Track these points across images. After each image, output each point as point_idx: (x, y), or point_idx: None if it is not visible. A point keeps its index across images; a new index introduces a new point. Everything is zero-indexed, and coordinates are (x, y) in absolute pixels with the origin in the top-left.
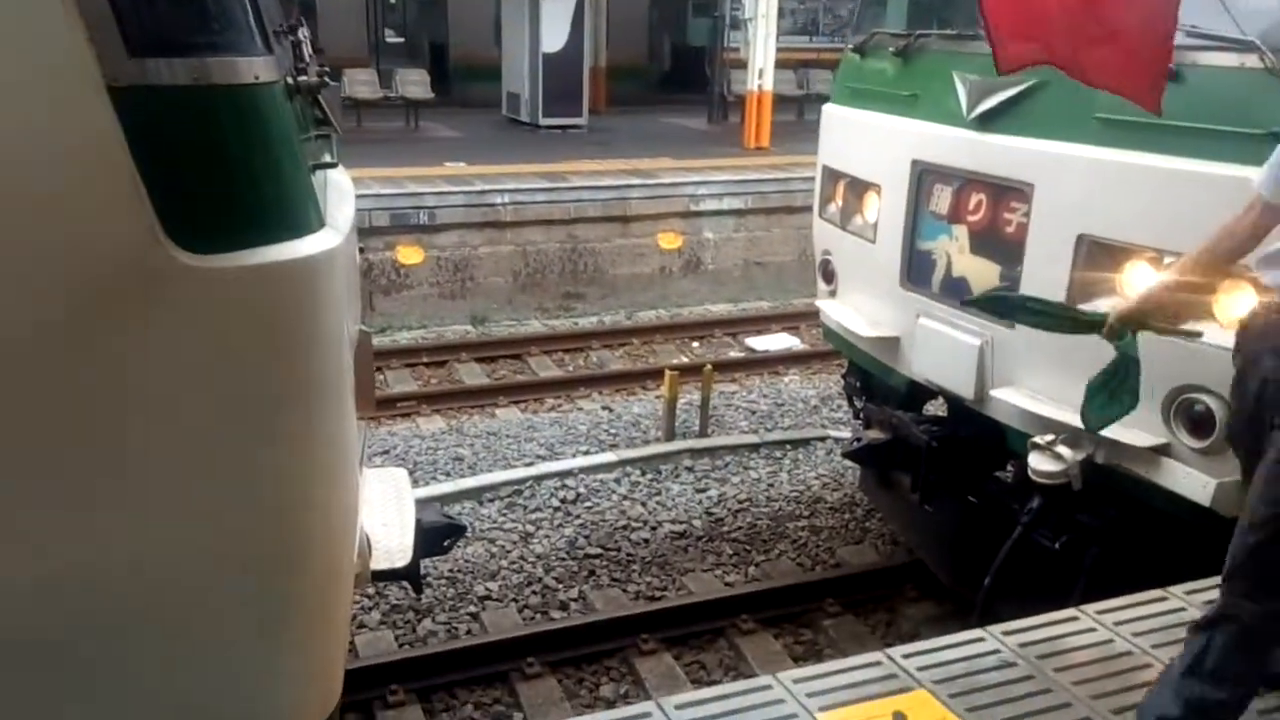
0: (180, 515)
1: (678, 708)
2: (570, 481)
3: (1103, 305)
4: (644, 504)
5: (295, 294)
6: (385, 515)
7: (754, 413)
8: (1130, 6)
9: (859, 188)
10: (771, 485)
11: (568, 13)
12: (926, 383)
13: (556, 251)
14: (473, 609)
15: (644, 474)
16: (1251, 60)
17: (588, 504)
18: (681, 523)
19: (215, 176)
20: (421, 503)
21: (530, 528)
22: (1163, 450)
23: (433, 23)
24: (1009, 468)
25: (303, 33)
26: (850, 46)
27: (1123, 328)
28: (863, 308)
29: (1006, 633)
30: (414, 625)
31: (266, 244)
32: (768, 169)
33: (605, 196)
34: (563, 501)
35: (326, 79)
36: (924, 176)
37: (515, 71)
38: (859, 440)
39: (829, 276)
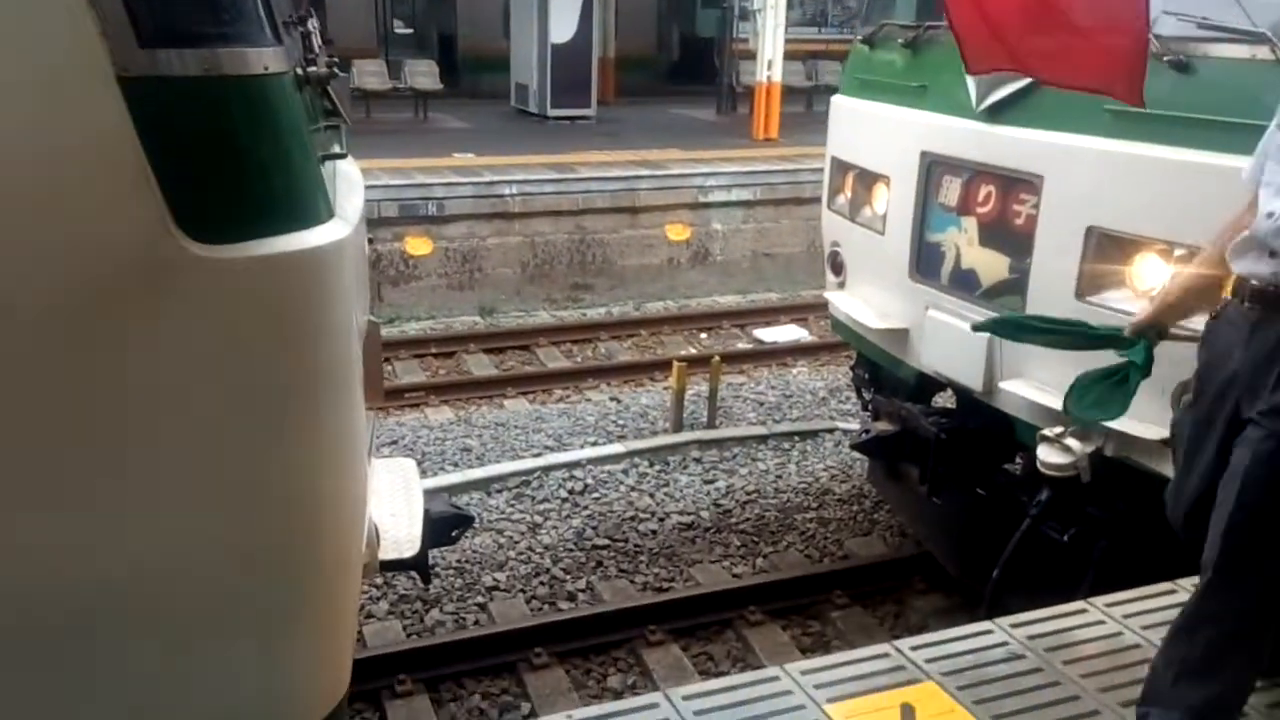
0: (188, 505)
1: (685, 698)
2: (578, 472)
3: (1109, 320)
4: (652, 495)
5: (304, 284)
6: (393, 505)
7: (762, 404)
8: (1095, 2)
9: (868, 179)
10: (779, 477)
11: (576, 4)
12: (935, 375)
13: (565, 242)
14: (480, 599)
15: (652, 465)
16: (1263, 52)
17: (595, 495)
18: (689, 514)
19: (225, 167)
20: (430, 493)
21: (538, 518)
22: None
23: (441, 14)
24: (1018, 460)
25: (312, 23)
26: (859, 38)
27: (1138, 338)
28: (871, 299)
29: (1015, 625)
30: (422, 615)
31: (276, 234)
32: (776, 160)
33: (614, 187)
34: (570, 492)
35: (336, 70)
36: (933, 168)
37: (524, 62)
38: (867, 432)
39: (838, 268)
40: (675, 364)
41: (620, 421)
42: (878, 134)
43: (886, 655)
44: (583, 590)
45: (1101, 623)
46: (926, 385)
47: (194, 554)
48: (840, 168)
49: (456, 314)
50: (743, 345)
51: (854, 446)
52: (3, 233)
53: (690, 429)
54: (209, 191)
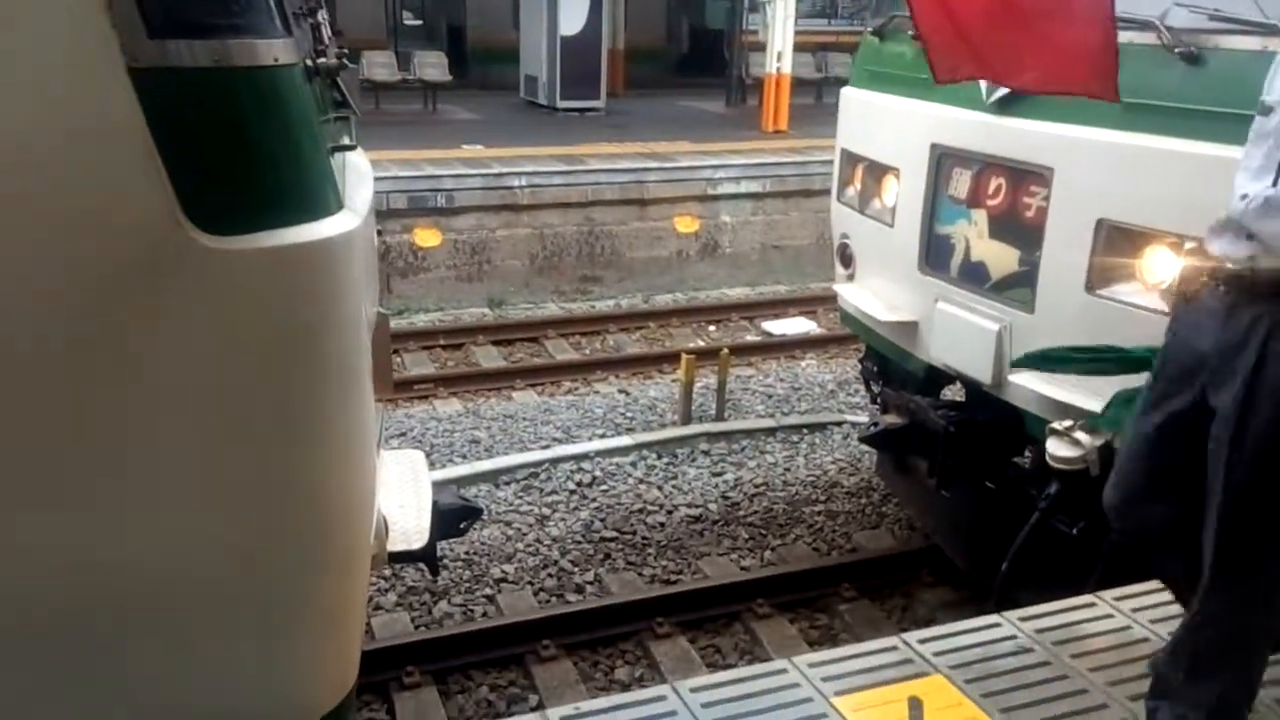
0: (197, 497)
1: (693, 690)
2: (586, 465)
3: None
4: (660, 488)
5: (314, 276)
6: (402, 497)
7: (770, 397)
8: (1058, 4)
9: (878, 171)
10: (788, 470)
11: None
12: (944, 367)
13: (573, 235)
14: (489, 591)
15: (660, 458)
16: (1274, 44)
17: (604, 487)
18: (697, 507)
19: (235, 158)
20: (438, 485)
21: (546, 510)
22: None
23: (451, 5)
24: (1027, 453)
25: (321, 15)
26: (869, 30)
27: None
28: (881, 292)
29: (1023, 618)
30: (430, 607)
31: (285, 226)
32: (786, 152)
33: (623, 180)
34: (579, 485)
35: (345, 61)
36: (943, 160)
37: (533, 54)
38: (876, 425)
39: (847, 260)
40: (684, 356)
41: (628, 414)
42: (888, 126)
43: (894, 648)
44: (591, 582)
45: (1110, 616)
46: (935, 378)
47: (203, 545)
48: (850, 160)
49: (465, 306)
50: (751, 338)
51: (862, 439)
52: (12, 223)
53: (698, 421)
54: (218, 182)
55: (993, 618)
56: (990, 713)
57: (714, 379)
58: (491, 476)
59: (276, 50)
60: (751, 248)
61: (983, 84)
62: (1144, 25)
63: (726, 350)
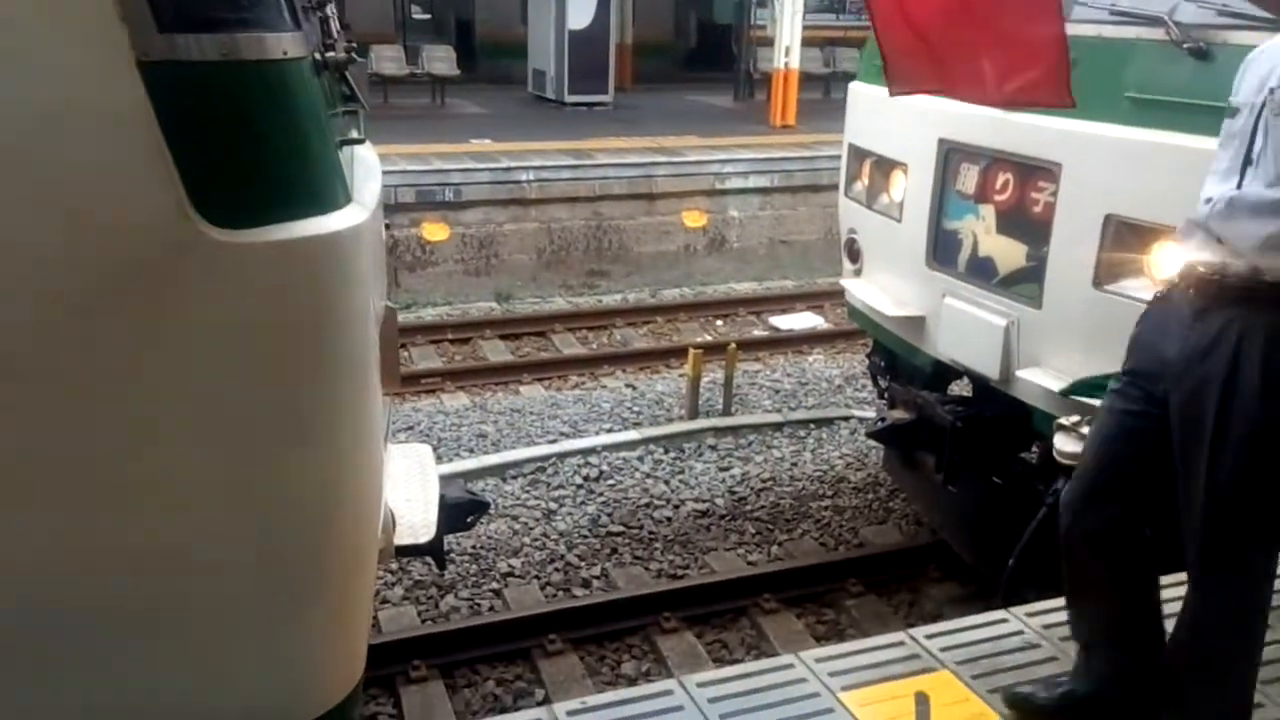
0: (204, 491)
1: (700, 685)
2: (593, 459)
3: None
4: (667, 482)
5: (322, 269)
6: (409, 491)
7: (778, 392)
8: (1008, 12)
9: (885, 166)
10: (795, 464)
11: None
12: (952, 363)
13: (581, 229)
14: (495, 585)
15: (667, 452)
16: None
17: (610, 482)
18: (704, 501)
19: (243, 152)
20: (445, 479)
21: (553, 505)
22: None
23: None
24: (1034, 449)
25: (330, 8)
26: None
27: None
28: (888, 287)
29: (1030, 614)
30: (437, 601)
31: (294, 219)
32: (793, 147)
33: (630, 174)
34: (585, 479)
35: (354, 55)
36: (951, 155)
37: (541, 48)
38: (883, 420)
39: (854, 255)
40: (691, 351)
41: (635, 408)
42: (895, 121)
43: (901, 644)
44: (597, 577)
45: None
46: (943, 373)
47: (209, 539)
48: (858, 155)
49: (473, 300)
50: (759, 332)
51: (869, 434)
52: (21, 217)
53: (706, 416)
54: (227, 176)
55: (1000, 613)
56: (997, 708)
57: (721, 374)
58: (498, 471)
59: (285, 44)
60: (759, 242)
61: None
62: (1152, 21)
63: (734, 345)
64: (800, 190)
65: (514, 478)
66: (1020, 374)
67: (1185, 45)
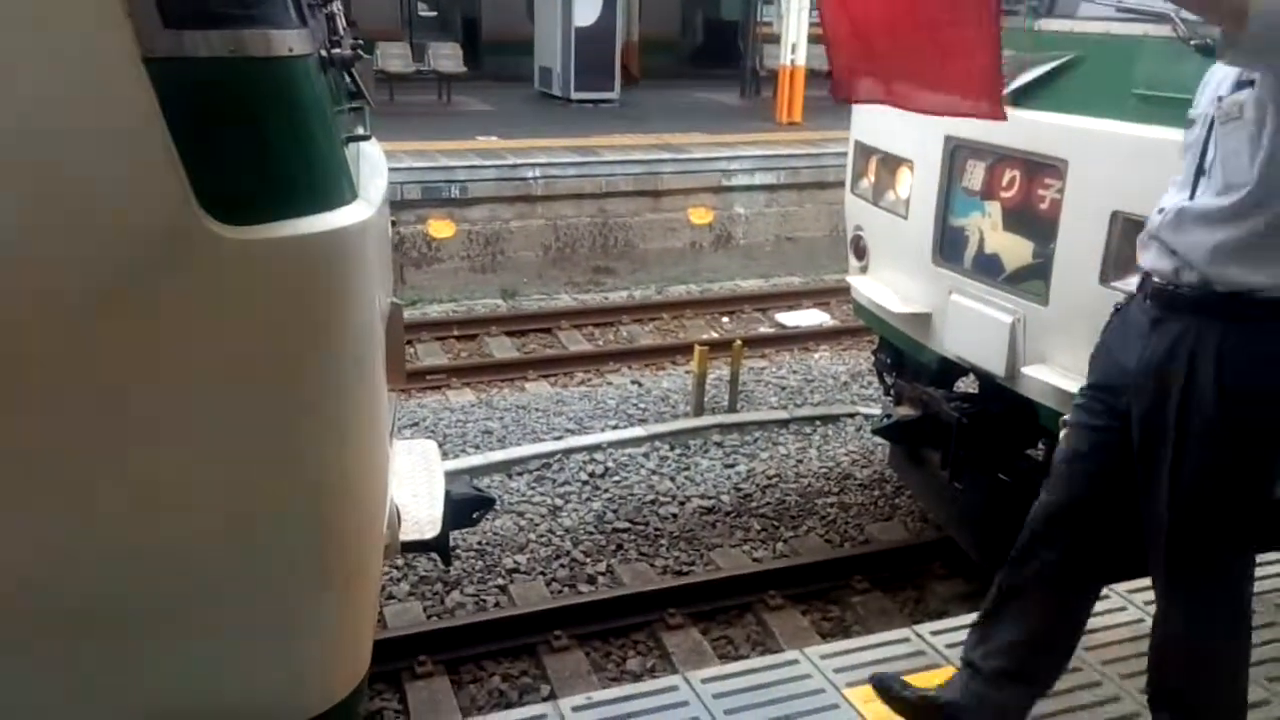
0: (211, 486)
1: (704, 681)
2: (599, 456)
3: None
4: (672, 479)
5: (328, 266)
6: (415, 487)
7: (784, 388)
8: (945, 24)
9: (892, 163)
10: (800, 461)
11: None
12: (958, 359)
13: (587, 226)
14: (501, 581)
15: (673, 449)
16: None
17: (616, 478)
18: (710, 498)
19: (249, 148)
20: (451, 475)
21: (559, 501)
22: None
23: None
24: (1040, 445)
25: (336, 5)
26: None
27: None
28: (894, 284)
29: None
30: (442, 597)
31: (300, 216)
32: (800, 144)
33: (636, 171)
34: (591, 475)
35: (360, 52)
36: (957, 152)
37: (548, 45)
38: (889, 417)
39: (860, 252)
40: (697, 348)
41: (641, 405)
42: (901, 118)
43: (906, 640)
44: (603, 573)
45: (1123, 609)
46: (949, 370)
47: (215, 534)
48: (864, 152)
49: (478, 296)
50: (765, 329)
51: (875, 431)
52: (27, 214)
53: (711, 413)
54: (233, 172)
55: None
56: None
57: (727, 370)
58: (504, 467)
59: (291, 41)
60: (765, 239)
61: None
62: (1160, 18)
63: (740, 341)
64: (806, 187)
65: (520, 474)
66: (1026, 371)
67: (1193, 42)
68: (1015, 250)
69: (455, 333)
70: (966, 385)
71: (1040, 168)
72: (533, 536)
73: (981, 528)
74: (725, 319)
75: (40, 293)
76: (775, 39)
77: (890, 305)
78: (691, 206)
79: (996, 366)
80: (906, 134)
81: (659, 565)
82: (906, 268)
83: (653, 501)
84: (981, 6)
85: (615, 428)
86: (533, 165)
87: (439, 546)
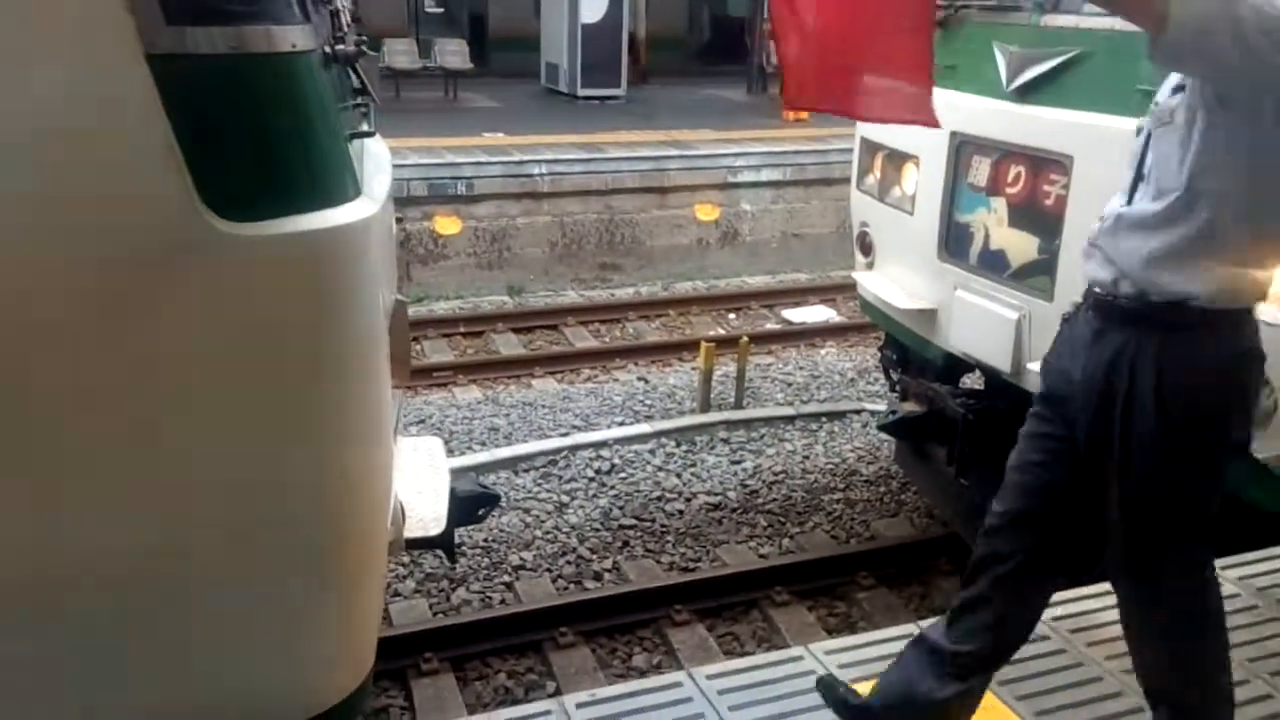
0: (215, 483)
1: (709, 678)
2: (605, 452)
3: None
4: (679, 475)
5: (331, 262)
6: (419, 484)
7: (790, 385)
8: (883, 31)
9: (897, 159)
10: (807, 457)
11: None
12: (963, 355)
13: (594, 222)
14: (507, 578)
15: (679, 445)
16: None
17: (622, 475)
18: (716, 494)
19: (252, 145)
20: (457, 472)
21: (565, 498)
22: None
23: None
24: None
25: (340, 1)
26: None
27: None
28: (900, 280)
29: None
30: (448, 594)
31: (302, 212)
32: (806, 141)
33: (643, 167)
34: (597, 472)
35: (364, 48)
36: (962, 148)
37: (554, 42)
38: (895, 413)
39: (866, 248)
40: (703, 344)
41: (647, 401)
42: None
43: (912, 635)
44: (609, 570)
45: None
46: (955, 366)
47: (216, 531)
48: (869, 148)
49: (485, 293)
50: (771, 326)
51: (881, 427)
52: (28, 210)
53: (717, 409)
54: (235, 169)
55: None
56: (1005, 699)
57: (733, 367)
58: (510, 464)
59: (294, 36)
60: (772, 236)
61: (1003, 71)
62: None
63: (746, 338)
64: (813, 183)
65: (526, 471)
66: (1032, 366)
67: None
68: (1021, 246)
69: (461, 329)
70: (972, 381)
71: (1045, 164)
72: (539, 533)
73: None
74: (732, 315)
75: (41, 291)
76: None
77: (896, 301)
78: (698, 203)
79: (1002, 362)
80: (912, 130)
81: (665, 562)
82: (912, 264)
83: (659, 498)
84: (919, 14)
85: (621, 424)
86: (539, 162)
87: (444, 543)
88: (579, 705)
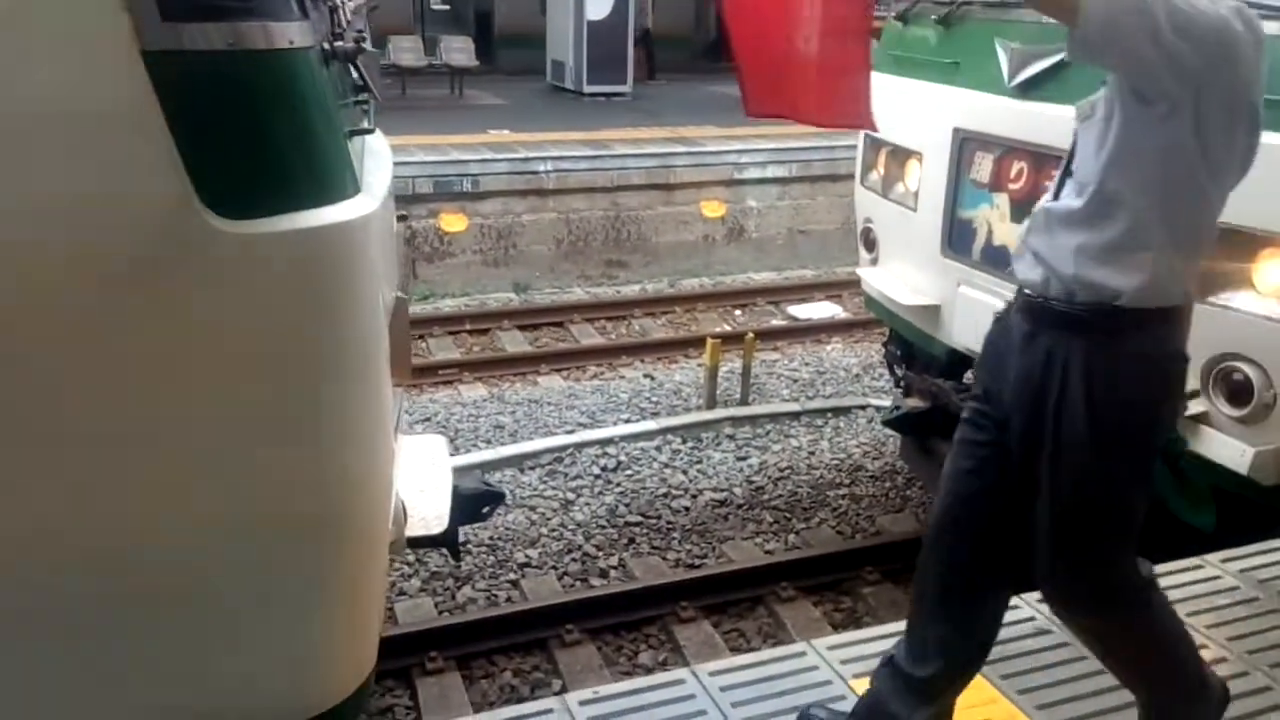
0: (213, 482)
1: (712, 674)
2: (611, 449)
3: None
4: (685, 472)
5: (330, 259)
6: (422, 482)
7: (795, 381)
8: (826, 35)
9: (901, 156)
10: (812, 453)
11: None
12: (967, 351)
13: (600, 219)
14: (512, 576)
15: (685, 442)
16: None
17: (628, 472)
18: (722, 490)
19: (249, 142)
20: (462, 470)
21: (571, 495)
22: (1201, 419)
23: None
24: None
25: None
26: (893, 14)
27: None
28: (904, 276)
29: (1042, 600)
30: (453, 592)
31: (301, 209)
32: (812, 137)
33: (649, 164)
34: (603, 469)
35: (363, 44)
36: (965, 144)
37: (560, 39)
38: (898, 409)
39: (870, 245)
40: (709, 341)
41: (653, 398)
42: (911, 111)
43: None
44: (615, 567)
45: None
46: (958, 361)
47: (216, 531)
48: (873, 145)
49: (491, 291)
50: (777, 322)
51: (885, 423)
52: (25, 209)
53: (724, 405)
54: (233, 166)
55: (1012, 600)
56: (1009, 694)
57: (739, 363)
58: (516, 461)
59: (291, 33)
60: (777, 232)
61: (1005, 67)
62: None
63: (752, 334)
64: (819, 180)
65: (531, 468)
66: None
67: None
68: None
69: (467, 327)
70: None
71: (1048, 159)
72: (544, 531)
73: None
74: (737, 312)
75: (38, 288)
76: None
77: (899, 297)
78: (704, 200)
79: None
80: (915, 127)
81: (671, 558)
82: (915, 260)
83: (665, 495)
84: (856, 17)
85: (627, 421)
86: (545, 159)
87: (447, 542)
88: (582, 703)
